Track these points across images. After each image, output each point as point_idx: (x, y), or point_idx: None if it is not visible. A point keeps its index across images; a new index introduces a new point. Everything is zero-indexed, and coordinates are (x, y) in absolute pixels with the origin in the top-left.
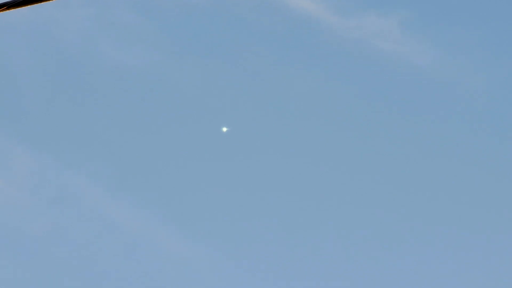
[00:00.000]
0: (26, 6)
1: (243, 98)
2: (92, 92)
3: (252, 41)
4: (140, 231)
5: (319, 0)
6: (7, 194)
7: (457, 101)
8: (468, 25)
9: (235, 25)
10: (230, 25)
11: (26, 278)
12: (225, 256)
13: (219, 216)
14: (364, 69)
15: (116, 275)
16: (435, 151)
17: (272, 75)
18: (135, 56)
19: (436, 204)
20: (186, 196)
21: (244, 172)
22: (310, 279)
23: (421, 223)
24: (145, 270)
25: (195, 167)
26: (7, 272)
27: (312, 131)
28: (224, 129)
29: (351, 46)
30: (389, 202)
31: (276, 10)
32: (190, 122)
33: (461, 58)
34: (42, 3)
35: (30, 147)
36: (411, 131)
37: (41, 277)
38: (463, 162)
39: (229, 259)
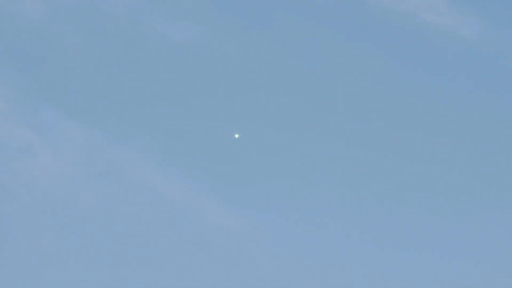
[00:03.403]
0: None
1: (291, 72)
2: (141, 67)
3: (300, 16)
4: (188, 203)
5: None
6: (57, 168)
7: (504, 72)
8: None
9: (282, 0)
10: (277, 0)
11: (76, 250)
12: (270, 227)
13: (265, 188)
14: (411, 41)
15: (164, 247)
16: (485, 122)
17: (320, 49)
18: (183, 31)
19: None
20: (232, 169)
21: (290, 145)
22: (350, 250)
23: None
24: (192, 241)
25: (241, 139)
26: (58, 244)
27: (360, 105)
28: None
29: (398, 19)
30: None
31: None
32: (237, 96)
33: (508, 30)
34: None
35: (79, 122)
36: (458, 102)
37: (90, 249)
38: None
39: (275, 230)
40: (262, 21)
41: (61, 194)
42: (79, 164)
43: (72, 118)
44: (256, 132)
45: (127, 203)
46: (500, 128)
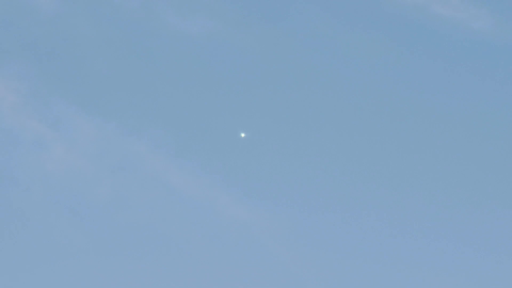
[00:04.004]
0: None
1: (304, 65)
2: (154, 60)
3: (312, 9)
4: (201, 196)
5: None
6: (70, 161)
7: None
8: None
9: None
10: None
11: (90, 243)
12: (284, 219)
13: (279, 180)
14: (423, 34)
15: (177, 239)
16: (497, 115)
17: (332, 42)
18: (196, 24)
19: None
20: (245, 161)
21: (303, 138)
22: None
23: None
24: (206, 233)
25: (255, 132)
26: (71, 237)
27: (371, 98)
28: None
29: (410, 11)
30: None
31: None
32: (250, 89)
33: None
34: None
35: (93, 115)
36: (471, 95)
37: (103, 242)
38: None
39: (288, 222)
40: (275, 14)
41: (74, 187)
42: (92, 157)
43: (85, 111)
44: (269, 125)
45: (140, 196)
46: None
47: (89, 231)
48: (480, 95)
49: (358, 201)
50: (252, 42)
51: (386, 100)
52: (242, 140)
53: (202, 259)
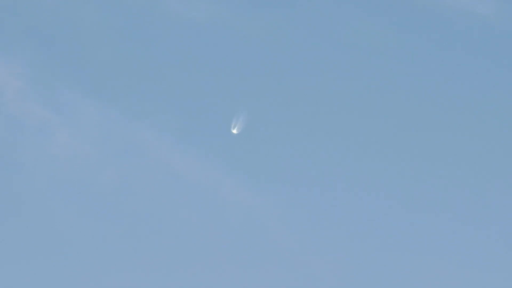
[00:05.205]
0: None
1: (309, 50)
2: (158, 45)
3: None
4: (206, 181)
5: None
6: (75, 147)
7: None
8: None
9: None
10: None
11: (94, 228)
12: (288, 204)
13: (284, 165)
14: (428, 19)
15: (182, 223)
16: (503, 100)
17: (339, 27)
18: (199, 9)
19: None
20: (250, 146)
21: (308, 122)
22: (368, 230)
23: None
24: (210, 218)
25: (259, 117)
26: (76, 222)
27: (379, 83)
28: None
29: None
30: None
31: None
32: (255, 74)
33: None
34: None
35: (97, 100)
36: (475, 80)
37: (108, 227)
38: None
39: (293, 206)
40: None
41: (79, 172)
42: (96, 142)
43: (89, 97)
44: (273, 109)
45: (144, 180)
46: None
47: (94, 215)
48: (484, 79)
49: (364, 185)
50: (256, 27)
51: (390, 85)
52: (247, 126)
53: (207, 243)
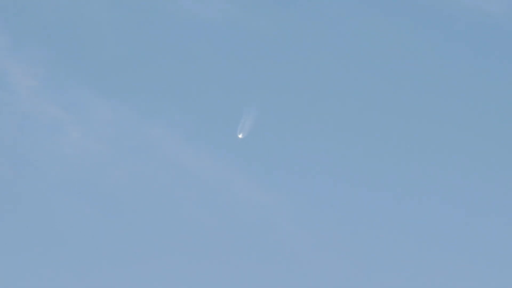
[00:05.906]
0: None
1: (319, 48)
2: (169, 44)
3: None
4: (217, 178)
5: None
6: (87, 145)
7: None
8: None
9: None
10: None
11: (107, 224)
12: (299, 201)
13: (294, 163)
14: (439, 17)
15: (193, 220)
16: (508, 94)
17: (348, 25)
18: (212, 8)
19: None
20: (260, 144)
21: (320, 119)
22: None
23: None
24: (221, 215)
25: (269, 115)
26: (88, 219)
27: (385, 78)
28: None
29: None
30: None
31: None
32: (266, 73)
33: None
34: None
35: (109, 99)
36: (485, 76)
37: (120, 224)
38: None
39: (303, 204)
40: None
41: (91, 170)
42: (108, 139)
43: (101, 95)
44: (285, 107)
45: (156, 178)
46: None
47: (106, 212)
48: (494, 75)
49: (377, 184)
50: (268, 25)
51: (399, 79)
52: (258, 122)
53: (218, 240)
